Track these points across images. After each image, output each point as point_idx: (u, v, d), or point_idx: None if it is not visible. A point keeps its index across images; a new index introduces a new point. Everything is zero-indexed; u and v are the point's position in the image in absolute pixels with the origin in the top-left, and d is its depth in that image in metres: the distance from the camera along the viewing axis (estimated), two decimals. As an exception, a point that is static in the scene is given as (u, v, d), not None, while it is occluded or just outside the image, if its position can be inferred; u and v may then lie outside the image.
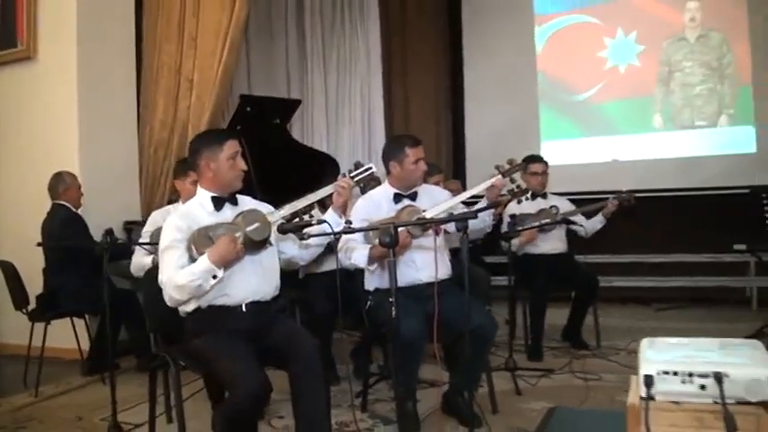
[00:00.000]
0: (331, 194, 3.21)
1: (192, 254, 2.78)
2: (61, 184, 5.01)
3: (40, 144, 5.73)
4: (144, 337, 4.67)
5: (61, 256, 4.78)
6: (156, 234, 3.98)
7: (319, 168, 5.67)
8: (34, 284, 4.89)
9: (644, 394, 1.71)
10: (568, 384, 4.19)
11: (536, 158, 5.25)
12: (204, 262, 2.71)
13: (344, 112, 8.24)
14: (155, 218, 4.29)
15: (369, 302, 3.66)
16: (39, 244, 4.71)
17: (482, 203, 3.69)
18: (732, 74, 7.23)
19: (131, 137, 6.15)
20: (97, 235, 4.91)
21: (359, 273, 3.82)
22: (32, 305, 4.80)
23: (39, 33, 5.79)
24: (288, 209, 2.97)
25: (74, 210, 5.00)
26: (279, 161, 5.41)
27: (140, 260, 4.15)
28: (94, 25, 5.77)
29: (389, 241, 2.59)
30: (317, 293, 4.33)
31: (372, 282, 3.66)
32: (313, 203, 3.11)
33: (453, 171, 8.29)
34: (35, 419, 4.02)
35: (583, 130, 7.88)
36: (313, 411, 2.75)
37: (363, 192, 3.43)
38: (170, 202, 5.86)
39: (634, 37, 7.58)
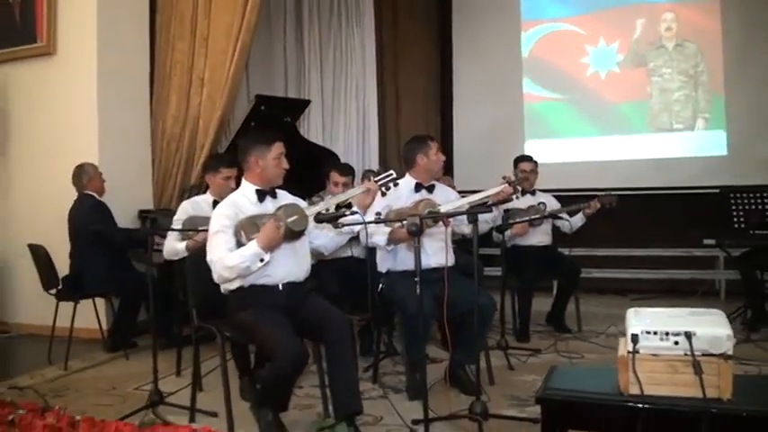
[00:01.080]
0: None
1: (241, 239, 3.22)
2: (85, 175, 5.34)
3: (63, 136, 6.00)
4: (164, 318, 5.10)
5: (91, 241, 5.11)
6: (188, 222, 4.39)
7: (322, 162, 6.06)
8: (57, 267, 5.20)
9: (631, 349, 2.19)
10: (554, 362, 4.58)
11: (526, 158, 5.71)
12: (253, 246, 3.15)
13: (340, 109, 8.60)
14: (185, 207, 4.65)
15: (381, 285, 4.10)
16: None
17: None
18: (706, 81, 7.68)
19: (145, 131, 6.45)
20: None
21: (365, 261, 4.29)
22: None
23: (58, 31, 6.07)
24: (322, 205, 3.45)
25: (98, 198, 5.34)
26: (288, 156, 5.77)
27: (173, 245, 4.47)
28: (112, 24, 6.05)
29: (416, 230, 3.04)
30: (329, 278, 4.67)
31: (385, 264, 4.12)
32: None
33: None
34: (71, 389, 4.35)
35: (565, 130, 8.28)
36: (346, 372, 3.19)
37: (383, 194, 3.84)
38: (183, 192, 6.24)
39: (615, 46, 8.01)
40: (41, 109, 6.16)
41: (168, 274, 5.15)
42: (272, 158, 3.40)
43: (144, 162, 6.44)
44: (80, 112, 5.97)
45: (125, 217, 5.81)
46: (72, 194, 5.43)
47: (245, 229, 3.22)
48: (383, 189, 3.65)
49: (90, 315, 5.40)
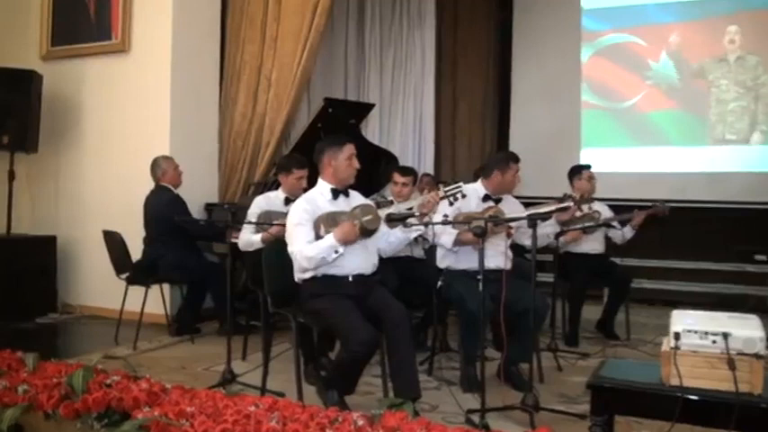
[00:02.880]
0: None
1: (319, 231, 3.55)
2: (157, 169, 5.60)
3: (135, 130, 6.32)
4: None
5: (169, 231, 5.37)
6: (263, 216, 4.67)
7: (380, 163, 6.29)
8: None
9: (673, 345, 2.43)
10: (602, 365, 4.77)
11: (588, 166, 5.81)
12: (330, 239, 3.46)
13: (397, 111, 8.80)
14: (259, 202, 4.91)
15: (440, 282, 4.33)
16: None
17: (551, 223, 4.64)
18: (766, 94, 7.67)
19: (213, 127, 6.75)
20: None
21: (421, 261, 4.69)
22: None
23: (133, 30, 6.39)
24: (393, 209, 3.78)
25: (174, 191, 5.60)
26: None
27: (249, 237, 4.75)
28: (185, 25, 6.36)
29: (480, 232, 3.28)
30: (388, 275, 4.89)
31: (446, 261, 4.36)
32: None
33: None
34: (143, 366, 4.60)
35: (621, 140, 8.34)
36: (405, 359, 3.47)
37: (451, 204, 4.06)
38: (247, 187, 6.53)
39: (676, 59, 8.05)
40: (115, 103, 6.47)
41: (232, 266, 5.41)
42: (344, 159, 3.69)
43: (211, 157, 6.74)
44: (153, 107, 6.27)
45: (191, 209, 6.02)
46: (143, 185, 5.69)
47: (325, 223, 3.55)
48: (451, 199, 3.87)
49: (155, 300, 5.61)
